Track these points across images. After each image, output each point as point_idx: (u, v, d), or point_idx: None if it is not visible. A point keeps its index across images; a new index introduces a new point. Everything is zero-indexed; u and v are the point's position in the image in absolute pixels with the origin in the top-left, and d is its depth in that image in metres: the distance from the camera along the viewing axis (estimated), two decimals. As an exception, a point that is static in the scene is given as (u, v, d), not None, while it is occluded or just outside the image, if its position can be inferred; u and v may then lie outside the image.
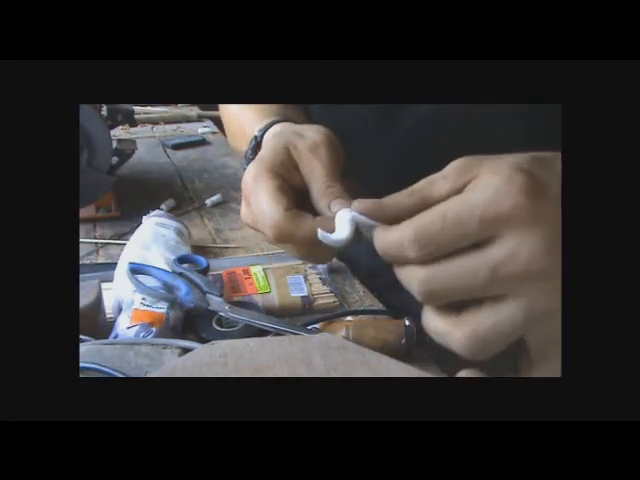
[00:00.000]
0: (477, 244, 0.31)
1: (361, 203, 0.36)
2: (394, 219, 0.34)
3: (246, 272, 0.65)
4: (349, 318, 0.57)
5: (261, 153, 0.43)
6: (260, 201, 0.40)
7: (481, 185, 0.32)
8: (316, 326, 0.55)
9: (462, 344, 0.32)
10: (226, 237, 0.83)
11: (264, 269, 0.66)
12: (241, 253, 0.78)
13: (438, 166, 0.36)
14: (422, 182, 0.35)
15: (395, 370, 0.37)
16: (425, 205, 0.34)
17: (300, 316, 0.61)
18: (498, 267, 0.31)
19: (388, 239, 0.33)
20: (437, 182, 0.34)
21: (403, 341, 0.53)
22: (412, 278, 0.33)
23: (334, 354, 0.38)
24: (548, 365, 0.33)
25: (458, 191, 0.33)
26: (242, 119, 0.60)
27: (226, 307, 0.54)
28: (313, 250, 0.40)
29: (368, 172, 0.56)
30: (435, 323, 0.33)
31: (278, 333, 0.52)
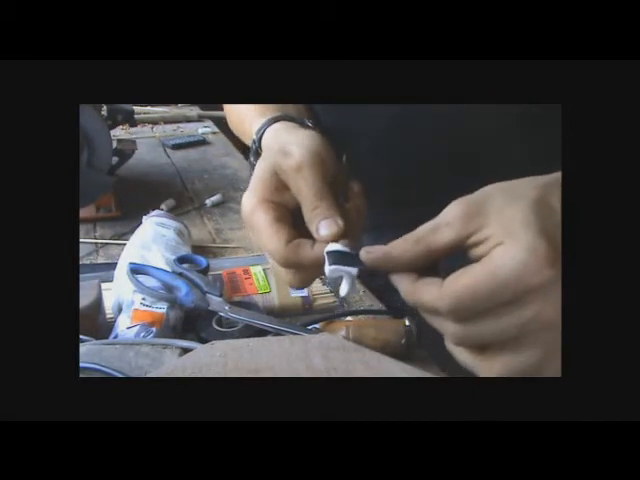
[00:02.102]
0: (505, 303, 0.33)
1: (369, 254, 0.37)
2: (401, 269, 0.36)
3: (246, 272, 0.65)
4: (349, 318, 0.57)
5: (252, 182, 0.44)
6: (261, 235, 0.41)
7: (506, 260, 0.33)
8: (316, 326, 0.55)
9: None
10: (226, 237, 0.83)
11: (264, 269, 0.66)
12: (241, 253, 0.78)
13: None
14: (426, 228, 0.36)
15: (395, 370, 0.37)
16: (430, 254, 0.35)
17: (300, 316, 0.61)
18: (526, 325, 0.33)
19: (420, 298, 0.35)
20: (441, 230, 0.35)
21: (403, 341, 0.53)
22: (446, 330, 0.35)
23: (334, 354, 0.38)
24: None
25: (464, 239, 0.35)
26: (240, 111, 0.60)
27: (226, 307, 0.54)
28: (316, 272, 0.42)
29: (370, 170, 0.56)
30: (462, 357, 0.36)
31: (278, 333, 0.52)
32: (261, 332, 0.53)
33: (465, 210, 0.35)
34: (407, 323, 0.54)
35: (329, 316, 0.58)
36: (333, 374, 0.36)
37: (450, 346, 0.37)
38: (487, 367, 0.35)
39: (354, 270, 0.38)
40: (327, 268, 0.38)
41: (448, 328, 0.35)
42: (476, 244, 0.34)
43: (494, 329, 0.33)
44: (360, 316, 0.59)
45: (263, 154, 0.47)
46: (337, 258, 0.38)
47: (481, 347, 0.35)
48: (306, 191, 0.41)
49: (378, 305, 0.65)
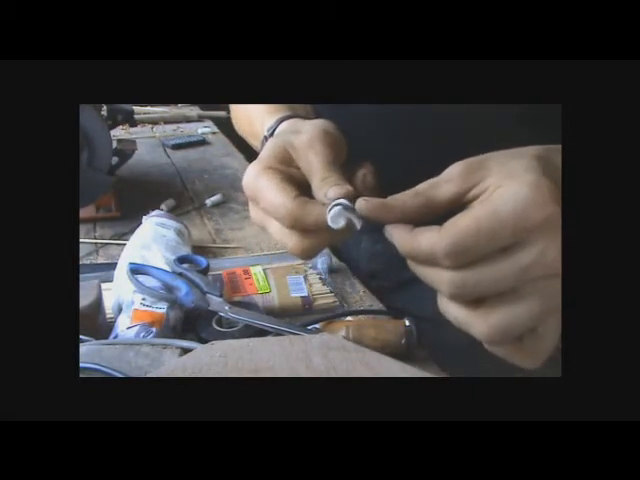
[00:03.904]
0: (504, 247, 0.33)
1: (367, 202, 0.36)
2: (398, 220, 0.35)
3: (246, 272, 0.65)
4: (349, 318, 0.57)
5: (260, 155, 0.44)
6: (267, 195, 0.40)
7: (509, 195, 0.32)
8: (316, 326, 0.55)
9: (485, 334, 0.34)
10: (226, 237, 0.83)
11: (264, 269, 0.66)
12: (241, 253, 0.78)
13: (439, 165, 0.36)
14: (426, 184, 0.35)
15: (395, 370, 0.37)
16: (430, 207, 0.35)
17: (300, 316, 0.61)
18: (527, 270, 0.32)
19: (417, 246, 0.34)
20: (441, 185, 0.35)
21: (403, 341, 0.53)
22: (441, 281, 0.34)
23: (334, 354, 0.38)
24: (549, 338, 0.35)
25: (464, 193, 0.34)
26: (250, 111, 0.61)
27: (226, 307, 0.54)
28: (321, 238, 0.41)
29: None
30: (456, 313, 0.35)
31: (278, 333, 0.52)
32: (261, 332, 0.53)
33: (466, 167, 0.35)
34: (407, 323, 0.54)
35: (329, 316, 0.58)
36: (333, 374, 0.36)
37: (443, 303, 0.35)
38: (482, 321, 0.33)
39: (349, 204, 0.37)
40: (329, 215, 0.37)
41: (444, 278, 0.33)
42: (476, 196, 0.34)
43: (493, 276, 0.32)
44: (360, 316, 0.59)
45: (274, 137, 0.46)
46: (339, 204, 0.37)
47: (477, 300, 0.34)
48: (317, 164, 0.41)
49: (378, 305, 0.65)
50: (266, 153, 0.43)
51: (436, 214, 0.35)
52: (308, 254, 0.42)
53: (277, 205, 0.39)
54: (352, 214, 0.37)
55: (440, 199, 0.35)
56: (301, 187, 0.41)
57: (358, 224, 0.37)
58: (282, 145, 0.43)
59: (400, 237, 0.35)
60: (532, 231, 0.32)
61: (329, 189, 0.39)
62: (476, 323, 0.34)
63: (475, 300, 0.34)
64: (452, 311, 0.35)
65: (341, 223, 0.37)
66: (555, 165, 0.34)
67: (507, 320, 0.33)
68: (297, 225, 0.39)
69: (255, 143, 0.61)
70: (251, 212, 0.44)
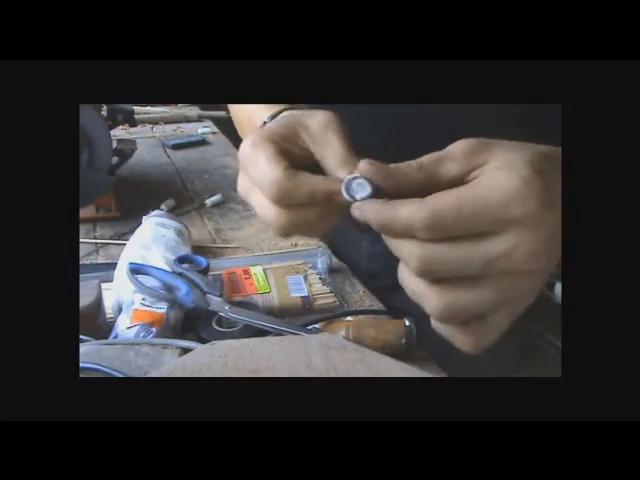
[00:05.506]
0: (481, 233, 0.33)
1: (371, 165, 0.35)
2: (397, 189, 0.35)
3: (246, 272, 0.65)
4: (349, 318, 0.57)
5: (265, 127, 0.42)
6: (258, 163, 0.38)
7: (498, 183, 0.32)
8: (316, 326, 0.55)
9: (437, 311, 0.34)
10: (226, 237, 0.83)
11: (264, 269, 0.66)
12: (241, 253, 0.78)
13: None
14: (430, 158, 0.35)
15: (395, 370, 0.37)
16: (431, 183, 0.35)
17: (300, 316, 0.61)
18: (493, 261, 0.32)
19: (395, 214, 0.34)
20: (445, 162, 0.35)
21: (403, 341, 0.53)
22: (411, 255, 0.34)
23: (334, 354, 0.38)
24: (495, 325, 0.35)
25: (465, 174, 0.34)
26: (250, 109, 0.60)
27: (226, 307, 0.54)
28: (306, 214, 0.39)
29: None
30: (413, 285, 0.35)
31: (278, 333, 0.52)
32: (261, 332, 0.53)
33: (472, 147, 0.35)
34: (407, 323, 0.54)
35: (329, 316, 0.58)
36: (333, 374, 0.36)
37: (404, 275, 0.36)
38: (437, 297, 0.34)
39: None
40: (352, 187, 0.36)
41: (414, 252, 0.33)
42: (475, 179, 0.34)
43: (461, 258, 0.33)
44: (360, 316, 0.59)
45: (284, 117, 0.44)
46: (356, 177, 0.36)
47: (439, 279, 0.34)
48: (336, 143, 0.39)
49: (378, 305, 0.65)
50: (272, 127, 0.41)
51: (432, 190, 0.34)
52: (288, 231, 0.40)
53: (264, 173, 0.38)
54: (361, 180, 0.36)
55: (442, 176, 0.35)
56: (297, 167, 0.39)
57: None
58: (292, 124, 0.41)
59: (377, 207, 0.35)
60: (510, 224, 0.32)
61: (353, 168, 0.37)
62: (431, 298, 0.34)
63: (437, 278, 0.34)
64: (410, 283, 0.35)
65: (367, 191, 0.35)
66: (558, 169, 0.34)
67: (461, 302, 0.34)
68: (283, 198, 0.37)
69: None
70: (239, 181, 0.42)
